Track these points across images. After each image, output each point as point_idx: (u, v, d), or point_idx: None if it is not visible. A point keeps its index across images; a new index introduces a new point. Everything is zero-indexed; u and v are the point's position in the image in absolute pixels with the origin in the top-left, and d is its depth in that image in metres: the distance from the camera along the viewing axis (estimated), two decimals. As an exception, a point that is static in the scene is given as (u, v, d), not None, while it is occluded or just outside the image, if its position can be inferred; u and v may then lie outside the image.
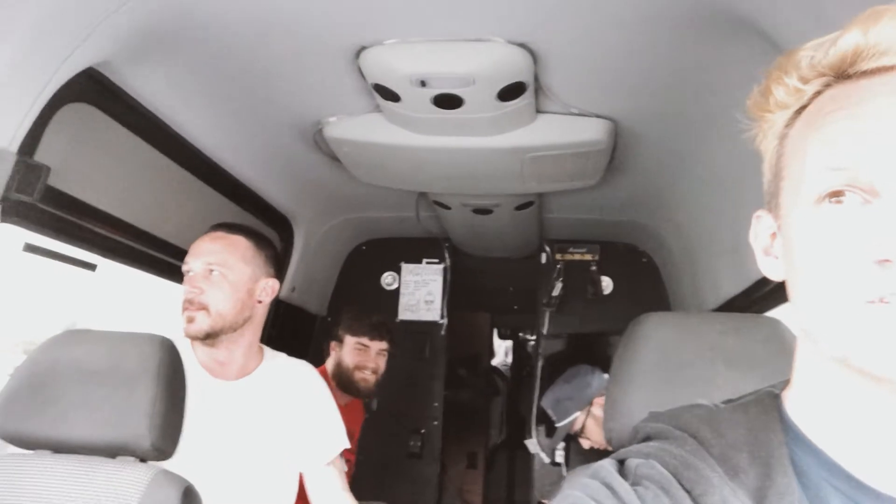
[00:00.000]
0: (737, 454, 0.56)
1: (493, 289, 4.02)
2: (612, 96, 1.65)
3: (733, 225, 1.87)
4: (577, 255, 2.98)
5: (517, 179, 2.06)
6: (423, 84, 1.49)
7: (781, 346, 1.04)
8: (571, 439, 2.88)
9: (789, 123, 0.58)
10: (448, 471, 3.95)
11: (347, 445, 1.70)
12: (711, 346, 1.06)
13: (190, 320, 1.51)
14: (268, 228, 2.35)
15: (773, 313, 1.84)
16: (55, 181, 1.36)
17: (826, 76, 0.55)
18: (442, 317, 3.12)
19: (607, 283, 2.98)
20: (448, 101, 1.56)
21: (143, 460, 1.27)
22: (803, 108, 0.57)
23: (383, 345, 2.44)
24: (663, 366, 1.07)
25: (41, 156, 1.27)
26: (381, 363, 2.45)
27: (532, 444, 2.94)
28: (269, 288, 1.62)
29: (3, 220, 1.21)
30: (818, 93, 0.56)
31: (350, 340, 2.40)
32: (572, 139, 1.77)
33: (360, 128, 1.79)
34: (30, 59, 1.14)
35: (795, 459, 0.55)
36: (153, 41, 1.34)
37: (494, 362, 5.75)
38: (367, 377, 2.38)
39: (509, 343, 5.81)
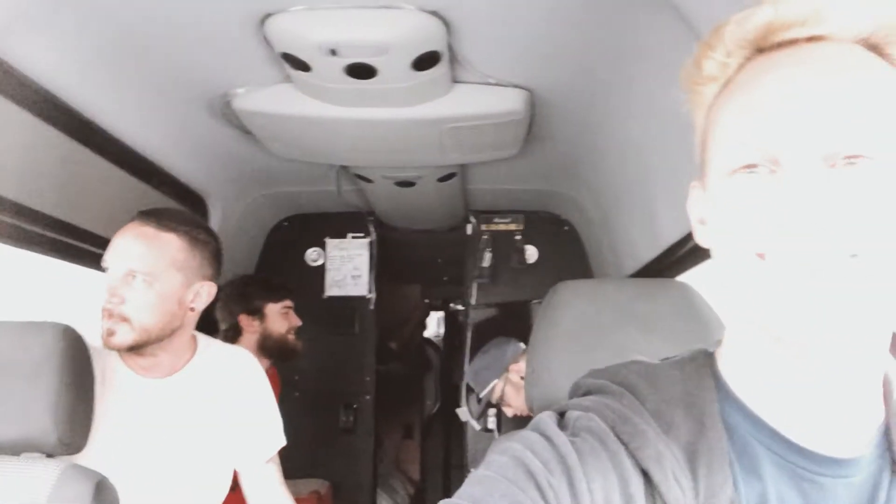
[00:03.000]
0: (671, 409, 0.58)
1: (423, 261, 4.02)
2: (526, 65, 1.64)
3: (647, 192, 1.92)
4: (503, 226, 3.01)
5: (437, 151, 2.04)
6: (333, 53, 1.43)
7: (690, 309, 1.07)
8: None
9: (717, 95, 0.59)
10: (384, 443, 3.97)
11: (285, 442, 1.62)
12: (624, 312, 1.08)
13: (110, 333, 1.34)
14: (181, 208, 2.24)
15: (687, 276, 1.91)
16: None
17: (746, 49, 0.56)
18: (370, 291, 3.09)
19: (532, 252, 3.02)
20: (361, 71, 1.51)
21: (51, 456, 1.21)
22: (729, 81, 0.57)
23: (290, 301, 2.44)
24: (580, 332, 1.09)
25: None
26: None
27: (463, 413, 2.99)
28: (204, 293, 1.45)
29: None
30: (741, 66, 0.56)
31: (275, 308, 2.36)
32: (489, 110, 1.75)
33: (271, 99, 1.71)
34: None
35: (725, 416, 0.58)
36: (38, 8, 1.23)
37: (427, 333, 5.78)
38: (295, 337, 2.38)
39: (441, 314, 5.85)
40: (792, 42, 0.53)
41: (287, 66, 1.54)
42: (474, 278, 3.00)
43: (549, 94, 1.78)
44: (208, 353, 1.54)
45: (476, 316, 3.02)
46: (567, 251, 2.96)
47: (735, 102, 0.55)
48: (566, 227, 2.98)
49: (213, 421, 1.49)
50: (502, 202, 2.91)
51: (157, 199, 2.06)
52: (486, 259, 2.95)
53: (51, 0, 1.24)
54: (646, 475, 0.54)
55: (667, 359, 0.66)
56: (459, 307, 5.48)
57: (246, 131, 1.93)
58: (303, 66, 1.50)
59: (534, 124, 1.93)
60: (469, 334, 3.00)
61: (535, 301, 2.82)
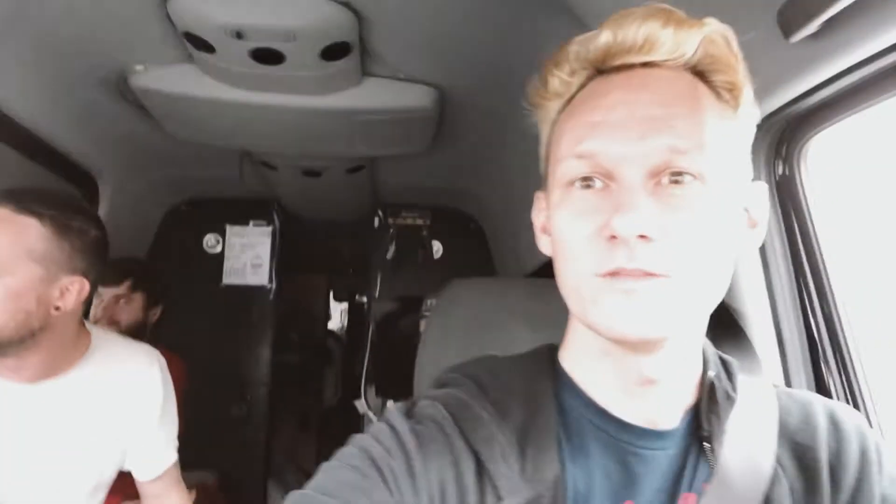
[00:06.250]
0: (509, 397, 0.65)
1: (329, 251, 3.97)
2: (436, 63, 1.66)
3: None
4: (410, 220, 3.04)
5: (345, 142, 2.02)
6: (238, 36, 1.39)
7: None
8: (401, 399, 2.95)
9: (561, 111, 0.63)
10: (278, 434, 3.90)
11: (175, 459, 1.45)
12: (515, 310, 1.12)
13: None
14: (69, 186, 2.10)
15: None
16: None
17: (588, 69, 0.60)
18: (270, 281, 3.02)
19: (438, 247, 3.06)
20: (268, 56, 1.48)
21: None
22: (572, 98, 0.62)
23: (118, 290, 2.08)
24: (470, 329, 1.11)
25: None
26: (123, 314, 2.08)
27: (360, 405, 2.99)
28: (73, 291, 1.21)
29: None
30: (584, 85, 0.61)
31: (107, 292, 2.09)
32: (399, 104, 1.76)
33: (171, 79, 1.64)
34: None
35: (562, 400, 0.66)
36: None
37: (330, 325, 5.72)
38: (150, 331, 2.16)
39: (345, 306, 5.80)
40: (625, 66, 0.58)
41: (189, 47, 1.49)
42: (378, 270, 3.00)
43: (457, 93, 1.81)
44: (101, 356, 1.33)
45: (379, 309, 3.03)
46: (472, 247, 3.03)
47: (575, 119, 0.59)
48: (472, 225, 3.04)
49: (96, 432, 1.31)
50: (411, 196, 2.93)
51: (42, 177, 1.92)
52: (390, 252, 2.97)
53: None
54: (478, 456, 0.60)
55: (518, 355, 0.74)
56: (364, 299, 5.46)
57: (143, 110, 1.84)
58: (206, 46, 1.45)
59: (443, 121, 1.96)
60: (371, 327, 3.01)
61: (430, 297, 2.86)
